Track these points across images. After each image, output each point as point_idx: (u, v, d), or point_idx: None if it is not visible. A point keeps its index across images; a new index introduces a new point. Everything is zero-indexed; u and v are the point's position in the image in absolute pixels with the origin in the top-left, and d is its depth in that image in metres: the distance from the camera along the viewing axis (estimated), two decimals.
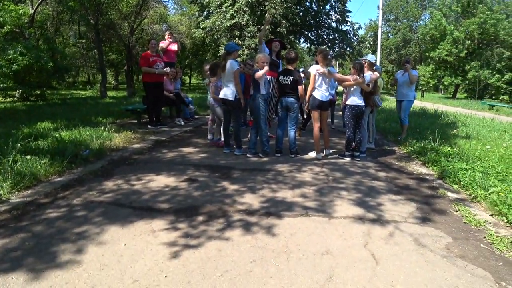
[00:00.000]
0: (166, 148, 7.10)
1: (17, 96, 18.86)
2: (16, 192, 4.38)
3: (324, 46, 24.17)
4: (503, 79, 31.42)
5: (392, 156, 7.01)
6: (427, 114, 14.46)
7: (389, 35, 52.27)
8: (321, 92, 6.36)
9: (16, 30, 24.62)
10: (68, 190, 4.55)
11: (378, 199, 4.42)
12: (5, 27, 23.96)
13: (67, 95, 24.15)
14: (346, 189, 4.77)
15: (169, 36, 10.37)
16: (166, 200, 4.23)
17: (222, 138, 7.07)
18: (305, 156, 6.61)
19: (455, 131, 9.98)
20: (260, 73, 6.22)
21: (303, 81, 6.60)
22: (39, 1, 25.36)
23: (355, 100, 6.36)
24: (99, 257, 2.92)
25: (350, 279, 2.67)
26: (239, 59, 12.70)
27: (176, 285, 2.55)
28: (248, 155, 6.48)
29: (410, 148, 7.41)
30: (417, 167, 6.19)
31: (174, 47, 10.52)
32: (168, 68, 9.43)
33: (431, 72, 36.60)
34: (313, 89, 6.39)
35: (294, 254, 3.00)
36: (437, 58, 34.57)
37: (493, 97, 33.85)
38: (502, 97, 32.30)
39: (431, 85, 39.46)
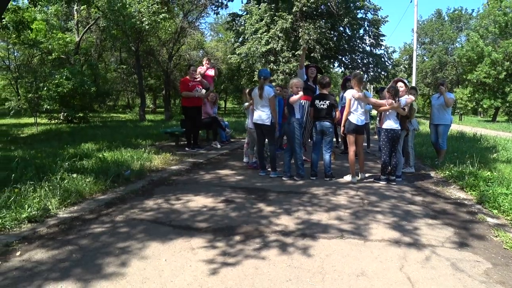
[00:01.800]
0: (204, 170, 7.30)
1: (61, 118, 19.81)
2: (64, 208, 4.65)
3: (358, 70, 24.14)
4: None
5: (429, 181, 6.90)
6: (465, 137, 14.08)
7: (425, 58, 51.66)
8: (356, 116, 6.42)
9: (63, 56, 26.17)
10: (111, 208, 4.78)
11: (414, 223, 4.37)
12: (53, 54, 25.55)
13: (107, 118, 25.24)
14: (381, 212, 4.75)
15: (207, 62, 10.75)
16: (204, 219, 4.37)
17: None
18: (340, 180, 6.63)
19: (495, 155, 9.68)
20: (294, 98, 6.38)
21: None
22: (85, 30, 26.94)
23: (391, 124, 6.36)
24: (141, 271, 3.06)
25: None
26: (273, 84, 12.96)
27: None
28: (283, 178, 6.58)
29: (447, 172, 7.26)
30: (454, 192, 6.06)
31: (211, 72, 10.85)
32: (204, 90, 9.71)
33: (469, 95, 35.68)
34: (349, 113, 6.46)
35: (329, 275, 3.04)
36: (475, 81, 33.68)
37: None
38: None
39: (469, 108, 38.35)
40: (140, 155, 7.72)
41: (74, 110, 19.73)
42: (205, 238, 3.78)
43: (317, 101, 6.62)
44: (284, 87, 9.31)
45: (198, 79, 9.69)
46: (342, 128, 6.68)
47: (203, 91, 9.68)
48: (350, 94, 6.47)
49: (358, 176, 6.66)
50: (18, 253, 3.38)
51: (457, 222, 4.50)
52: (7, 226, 3.91)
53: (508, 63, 31.56)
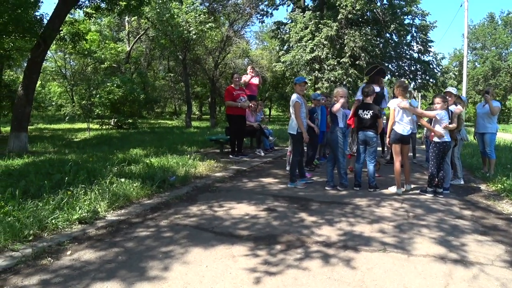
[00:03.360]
0: (247, 177, 7.39)
1: (112, 124, 20.70)
2: (112, 211, 4.88)
3: (403, 79, 23.49)
4: None
5: (479, 194, 6.58)
6: None
7: (476, 64, 49.45)
8: (402, 126, 6.28)
9: (114, 65, 27.44)
10: (156, 212, 4.95)
11: (461, 239, 4.19)
12: (105, 63, 26.86)
13: (155, 124, 26.10)
14: (427, 226, 4.59)
15: (251, 71, 10.89)
16: (246, 227, 4.42)
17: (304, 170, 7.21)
18: (385, 191, 6.48)
19: None
20: (336, 106, 6.37)
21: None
22: (135, 40, 28.09)
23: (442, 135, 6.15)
24: (183, 275, 3.15)
25: None
26: (319, 91, 12.89)
27: None
28: (326, 188, 6.54)
29: (500, 185, 6.87)
30: (507, 207, 5.73)
31: (255, 80, 10.98)
32: (247, 102, 9.80)
33: None
34: (394, 123, 6.33)
35: None
36: None
37: None
38: None
39: None
40: (185, 161, 7.93)
41: (124, 116, 20.60)
42: (246, 246, 3.83)
43: (360, 111, 6.55)
44: (328, 95, 9.27)
45: (242, 84, 9.88)
46: (387, 139, 6.56)
47: (248, 102, 9.76)
48: (395, 103, 6.34)
49: (404, 188, 6.48)
50: (68, 252, 3.58)
51: (509, 240, 4.25)
52: (59, 226, 4.16)
53: None
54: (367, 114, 6.46)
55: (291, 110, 6.60)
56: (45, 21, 11.21)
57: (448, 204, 5.73)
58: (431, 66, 25.17)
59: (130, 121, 21.59)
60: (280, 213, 5.01)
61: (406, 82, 8.25)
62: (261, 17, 26.67)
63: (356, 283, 3.07)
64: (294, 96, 6.56)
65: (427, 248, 3.88)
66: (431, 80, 25.05)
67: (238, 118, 9.41)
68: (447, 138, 6.12)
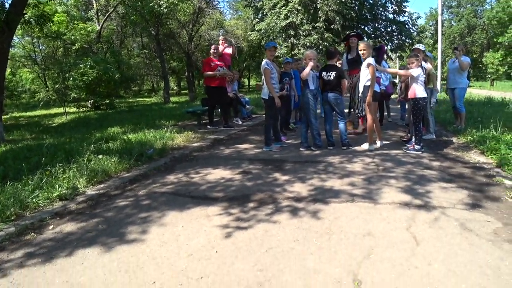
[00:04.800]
0: (224, 145, 7.50)
1: (89, 106, 20.39)
2: (91, 186, 4.95)
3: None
4: None
5: (449, 146, 6.83)
6: (493, 103, 13.68)
7: (452, 23, 49.68)
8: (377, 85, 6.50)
9: (86, 46, 26.73)
10: (135, 184, 5.04)
11: (427, 187, 4.41)
12: (76, 44, 26.15)
13: (133, 103, 25.80)
14: (395, 177, 4.81)
15: (223, 41, 10.80)
16: (221, 189, 4.57)
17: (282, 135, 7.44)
18: (358, 148, 6.68)
19: None
20: (306, 71, 6.44)
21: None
22: (105, 18, 27.30)
23: (421, 92, 6.22)
24: (160, 236, 3.30)
25: (388, 257, 2.78)
26: (296, 58, 12.85)
27: (224, 259, 2.84)
28: (301, 149, 6.69)
29: (469, 137, 7.13)
30: (474, 156, 5.99)
31: (228, 50, 10.91)
32: (227, 70, 9.72)
33: (501, 59, 34.26)
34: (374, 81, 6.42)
35: (335, 235, 3.17)
36: (506, 43, 32.28)
37: None
38: None
39: (501, 72, 36.85)
40: (163, 134, 7.99)
41: (101, 97, 20.28)
42: (221, 206, 3.98)
43: (324, 73, 6.65)
44: (298, 59, 9.32)
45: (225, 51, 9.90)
46: (368, 99, 6.44)
47: (227, 70, 9.65)
48: (372, 61, 6.41)
49: (376, 144, 6.69)
50: (51, 227, 3.67)
51: (473, 185, 4.49)
52: (40, 204, 4.23)
53: None
54: (330, 76, 6.55)
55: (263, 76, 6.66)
56: (7, 6, 10.84)
57: (418, 157, 5.96)
58: (406, 26, 25.24)
59: (107, 101, 21.26)
60: (255, 175, 5.16)
61: (368, 41, 8.40)
62: None
63: (323, 231, 3.25)
64: (263, 62, 6.61)
65: (393, 197, 4.09)
66: (407, 40, 25.14)
67: (218, 89, 9.35)
68: (425, 93, 6.28)
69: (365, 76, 6.43)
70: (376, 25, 25.07)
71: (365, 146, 6.64)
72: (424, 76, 6.32)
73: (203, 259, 2.85)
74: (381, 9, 24.64)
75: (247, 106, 11.28)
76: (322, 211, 3.71)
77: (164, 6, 20.10)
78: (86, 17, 32.40)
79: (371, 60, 6.37)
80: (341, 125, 6.69)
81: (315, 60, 6.67)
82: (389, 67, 9.56)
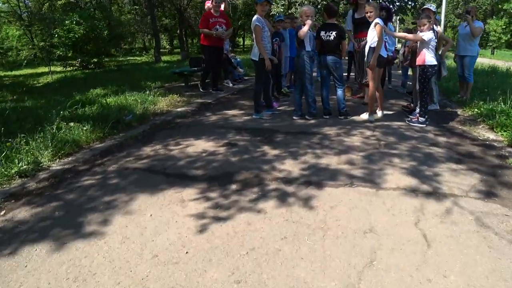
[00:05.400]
0: (210, 111, 6.88)
1: (77, 65, 19.51)
2: (57, 160, 4.36)
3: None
4: None
5: (455, 119, 6.27)
6: (497, 73, 13.01)
7: None
8: (383, 49, 5.83)
9: (73, 1, 25.35)
10: (106, 157, 4.46)
11: (435, 168, 3.88)
12: None
13: (123, 62, 24.86)
14: (399, 155, 4.26)
15: None
16: (201, 166, 4.00)
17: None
18: (356, 118, 6.10)
19: None
20: (304, 30, 5.69)
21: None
22: None
23: (431, 59, 5.55)
24: (123, 228, 2.76)
25: (395, 265, 2.27)
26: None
27: (195, 263, 2.31)
28: (294, 117, 6.10)
29: (476, 110, 6.56)
30: (483, 132, 5.45)
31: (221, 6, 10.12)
32: (226, 31, 8.82)
33: (504, 27, 33.16)
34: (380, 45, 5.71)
35: (331, 231, 2.65)
36: (511, 11, 31.06)
37: None
38: None
39: (503, 41, 35.81)
40: (145, 98, 7.34)
41: (88, 55, 19.35)
42: (199, 187, 3.43)
43: (322, 32, 5.92)
44: (294, 17, 8.54)
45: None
46: (372, 63, 5.79)
47: (225, 30, 8.61)
48: (380, 21, 5.71)
49: (377, 114, 6.11)
50: (2, 212, 3.11)
51: (485, 168, 3.96)
52: None
53: None
54: (329, 36, 5.85)
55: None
56: None
57: (423, 131, 5.40)
58: None
59: (96, 60, 20.33)
60: (241, 148, 4.59)
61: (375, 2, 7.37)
62: None
63: (316, 225, 2.73)
64: (254, 19, 5.89)
65: (398, 180, 3.56)
66: (409, 2, 24.00)
67: (213, 49, 8.34)
68: (435, 60, 5.62)
69: (371, 38, 5.76)
70: None
71: (365, 116, 6.05)
72: (436, 41, 5.66)
73: (170, 263, 2.32)
74: None
75: (239, 69, 10.51)
76: (315, 197, 3.18)
77: None
78: None
79: (378, 19, 5.66)
80: (339, 92, 6.06)
81: (313, 17, 5.95)
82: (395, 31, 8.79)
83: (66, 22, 17.42)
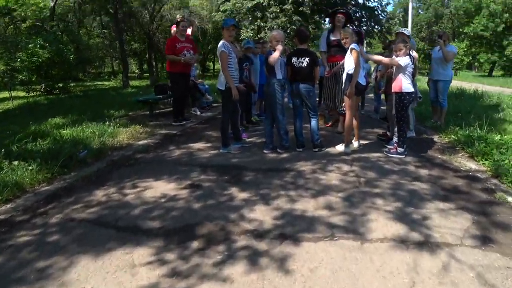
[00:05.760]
0: (175, 143, 6.34)
1: (41, 90, 18.68)
2: None
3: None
4: None
5: (433, 147, 6.01)
6: (465, 94, 13.12)
7: (419, 11, 49.62)
8: (361, 75, 5.50)
9: (38, 24, 24.58)
10: (51, 203, 3.86)
11: (422, 210, 3.49)
12: (27, 21, 23.98)
13: (91, 87, 24.09)
14: (382, 195, 3.85)
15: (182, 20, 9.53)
16: (159, 216, 3.45)
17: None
18: (331, 150, 5.70)
19: (500, 114, 8.79)
20: (274, 56, 5.30)
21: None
22: None
23: (408, 86, 5.24)
24: None
25: None
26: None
27: None
28: (264, 151, 5.62)
29: (453, 136, 6.36)
30: (464, 162, 5.19)
31: (188, 30, 9.73)
32: (194, 57, 8.31)
33: (465, 49, 34.29)
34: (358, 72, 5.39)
35: None
36: (471, 34, 32.23)
37: None
38: None
39: (465, 62, 37.07)
40: (104, 129, 6.76)
41: (53, 80, 18.57)
42: (154, 246, 2.88)
43: (294, 59, 5.53)
44: (264, 41, 8.19)
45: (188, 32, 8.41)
46: (349, 91, 5.42)
47: (194, 56, 8.02)
48: (356, 47, 5.39)
49: (354, 145, 5.76)
50: None
51: (474, 205, 3.63)
52: None
53: (507, 15, 30.19)
54: (302, 63, 5.47)
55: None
56: None
57: (402, 163, 5.06)
58: (376, 12, 24.52)
59: (61, 85, 19.50)
60: (205, 191, 4.07)
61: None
62: None
63: None
64: (220, 44, 5.46)
65: (384, 228, 3.12)
66: (376, 26, 24.44)
67: (181, 75, 7.71)
68: (412, 87, 5.31)
69: (348, 65, 5.44)
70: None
71: (341, 147, 5.67)
72: (413, 66, 5.39)
73: None
74: None
75: (207, 96, 10.03)
76: (292, 257, 2.69)
77: None
78: None
79: (354, 45, 5.34)
80: (313, 122, 5.64)
81: (283, 42, 5.58)
82: None
83: (30, 45, 16.70)
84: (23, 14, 24.09)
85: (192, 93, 9.43)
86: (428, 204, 3.63)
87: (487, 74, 35.97)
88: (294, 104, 5.79)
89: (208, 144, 6.21)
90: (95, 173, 4.82)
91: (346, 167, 4.84)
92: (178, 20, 9.27)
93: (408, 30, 6.49)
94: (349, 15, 6.95)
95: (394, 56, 5.34)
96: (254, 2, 20.50)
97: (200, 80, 10.46)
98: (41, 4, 25.47)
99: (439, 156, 5.49)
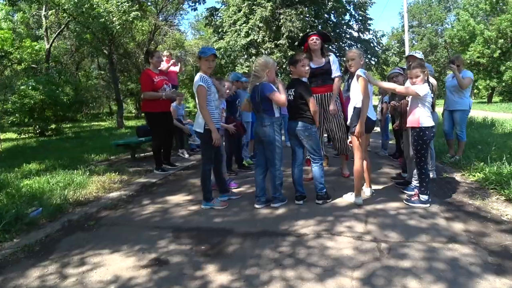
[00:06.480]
0: (151, 196, 5.30)
1: (33, 132, 18.05)
2: None
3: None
4: None
5: (459, 189, 5.00)
6: (475, 123, 12.24)
7: (414, 42, 49.91)
8: (371, 109, 4.53)
9: (34, 66, 24.35)
10: None
11: None
12: (22, 64, 23.77)
13: (86, 127, 23.47)
14: (414, 272, 2.77)
15: (168, 57, 8.78)
16: None
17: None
18: (339, 201, 4.64)
19: None
20: (282, 93, 4.30)
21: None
22: (55, 36, 25.10)
23: (427, 119, 4.28)
24: None
25: None
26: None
27: None
28: (255, 206, 4.54)
29: (478, 174, 5.41)
30: (502, 208, 4.19)
31: (175, 68, 8.98)
32: (175, 91, 7.36)
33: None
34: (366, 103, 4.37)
35: None
36: (468, 61, 31.81)
37: None
38: None
39: None
40: (71, 180, 5.78)
41: (47, 122, 17.92)
42: None
43: (288, 91, 4.56)
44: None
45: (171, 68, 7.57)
46: (357, 130, 4.37)
47: (175, 90, 7.14)
48: (363, 73, 4.39)
49: (365, 192, 4.74)
50: None
51: None
52: None
53: (502, 40, 30.03)
54: (290, 95, 4.51)
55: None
56: None
57: (429, 215, 4.02)
58: (371, 44, 24.23)
59: (53, 126, 18.80)
60: (173, 271, 2.97)
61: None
62: (193, 4, 24.09)
63: None
64: (197, 78, 4.45)
65: None
66: (373, 58, 24.09)
67: (162, 116, 6.53)
68: (432, 121, 4.35)
69: (355, 95, 4.46)
70: (341, 44, 23.85)
71: (350, 197, 4.60)
72: (432, 96, 4.46)
73: None
74: (345, 27, 23.59)
75: (194, 137, 8.95)
76: None
77: (117, 23, 18.07)
78: (37, 35, 30.09)
79: (361, 71, 4.37)
80: (315, 168, 4.58)
81: (276, 69, 4.60)
82: None
83: (22, 87, 16.41)
84: (18, 56, 23.95)
85: (179, 134, 8.51)
86: (479, 283, 2.58)
87: (485, 100, 35.44)
88: (292, 146, 4.72)
89: (189, 197, 5.16)
90: (40, 241, 3.79)
91: (359, 227, 3.76)
92: (164, 57, 8.48)
93: (420, 53, 5.60)
94: (325, 34, 5.77)
95: (409, 84, 4.42)
96: (248, 39, 20.20)
97: (189, 119, 9.54)
98: (37, 46, 25.39)
99: (470, 202, 4.47)
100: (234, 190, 5.33)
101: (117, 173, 6.49)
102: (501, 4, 31.19)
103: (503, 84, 31.44)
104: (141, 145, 8.63)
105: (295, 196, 4.63)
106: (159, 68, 7.03)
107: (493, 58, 30.62)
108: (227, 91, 5.84)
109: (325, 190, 4.60)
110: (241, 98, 6.35)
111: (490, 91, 34.46)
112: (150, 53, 6.83)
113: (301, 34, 19.12)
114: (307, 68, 4.48)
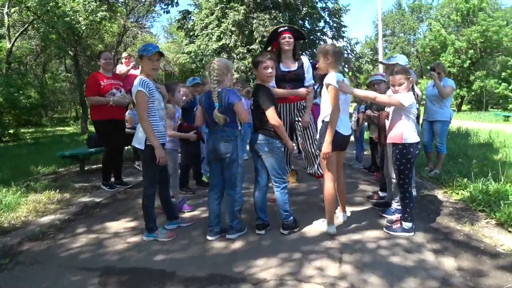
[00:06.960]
0: (89, 222, 4.44)
1: None
2: None
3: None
4: (510, 88, 29.22)
5: (443, 211, 4.45)
6: (450, 133, 11.88)
7: (386, 51, 50.66)
8: (344, 122, 3.80)
9: None
10: None
11: None
12: None
13: (49, 133, 22.18)
14: None
15: (128, 59, 7.83)
16: None
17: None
18: (309, 230, 3.93)
19: (499, 155, 7.51)
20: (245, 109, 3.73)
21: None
22: (17, 35, 23.84)
23: (412, 134, 3.67)
24: None
25: None
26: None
27: None
28: (208, 238, 3.76)
29: (463, 192, 4.92)
30: (495, 235, 3.67)
31: (136, 71, 8.10)
32: (126, 96, 6.51)
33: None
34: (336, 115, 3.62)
35: None
36: None
37: (497, 107, 31.92)
38: (510, 106, 29.64)
39: None
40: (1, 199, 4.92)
41: (4, 126, 16.71)
42: None
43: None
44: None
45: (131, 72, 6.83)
46: (323, 150, 3.65)
47: (126, 95, 5.96)
48: (334, 79, 3.58)
49: (338, 218, 4.10)
50: None
51: None
52: None
53: (472, 51, 30.63)
54: (251, 106, 3.85)
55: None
56: None
57: (415, 248, 3.40)
58: (345, 51, 24.10)
59: (11, 131, 17.55)
60: None
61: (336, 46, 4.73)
62: (165, 6, 23.13)
63: None
64: (136, 82, 3.66)
65: None
66: (345, 66, 23.96)
67: (110, 125, 5.71)
68: (417, 136, 3.74)
69: (325, 106, 3.75)
70: (315, 50, 23.61)
71: (322, 225, 3.91)
72: (417, 107, 3.86)
73: None
74: (319, 34, 23.33)
75: None
76: None
77: (83, 23, 17.14)
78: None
79: (332, 76, 3.62)
80: (277, 193, 3.82)
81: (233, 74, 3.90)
82: None
83: None
84: None
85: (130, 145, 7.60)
86: None
87: (455, 109, 36.17)
88: (254, 164, 3.94)
89: (133, 223, 4.34)
90: None
91: (333, 268, 3.05)
92: (123, 59, 7.68)
93: (405, 59, 5.02)
94: (298, 31, 4.87)
95: (391, 92, 3.81)
96: (220, 43, 19.54)
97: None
98: None
99: (458, 228, 3.92)
100: (187, 214, 4.57)
101: (58, 190, 5.64)
102: (471, 15, 31.78)
103: (473, 93, 31.99)
104: (90, 157, 7.73)
105: (256, 225, 3.88)
106: (118, 71, 6.18)
107: (463, 68, 31.24)
108: (184, 97, 5.10)
109: (291, 218, 3.86)
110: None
111: (460, 100, 35.02)
112: (99, 54, 6.04)
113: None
114: (269, 71, 3.70)
